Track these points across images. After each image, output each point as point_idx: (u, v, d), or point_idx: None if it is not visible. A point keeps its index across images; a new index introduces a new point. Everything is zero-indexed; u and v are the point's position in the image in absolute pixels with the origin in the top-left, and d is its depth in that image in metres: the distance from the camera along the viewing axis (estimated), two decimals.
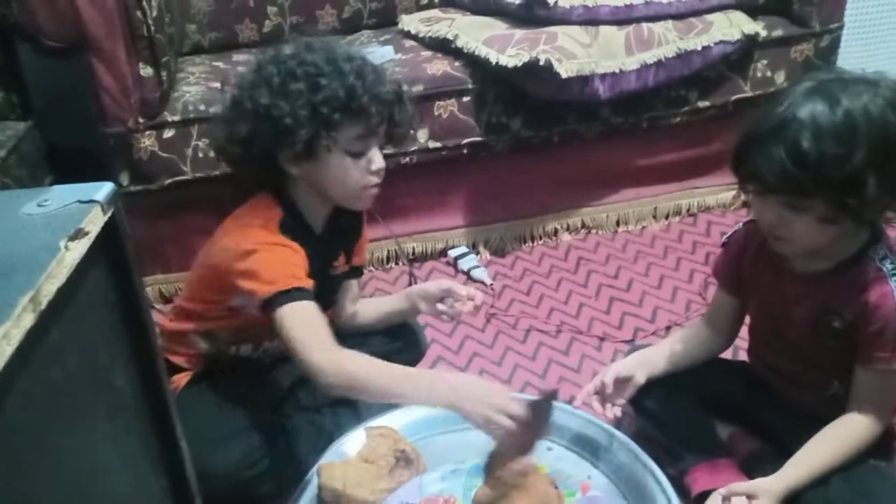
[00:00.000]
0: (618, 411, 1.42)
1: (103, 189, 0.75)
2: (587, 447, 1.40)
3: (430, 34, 2.10)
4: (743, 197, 2.24)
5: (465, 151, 2.03)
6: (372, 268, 2.11)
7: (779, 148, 1.10)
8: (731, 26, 2.03)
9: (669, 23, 2.01)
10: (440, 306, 1.47)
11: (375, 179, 1.33)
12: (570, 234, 2.22)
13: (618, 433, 1.38)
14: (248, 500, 1.37)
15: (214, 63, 2.13)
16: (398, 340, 1.56)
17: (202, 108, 1.86)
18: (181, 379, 1.41)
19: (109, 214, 0.75)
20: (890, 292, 1.17)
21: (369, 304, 1.61)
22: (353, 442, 1.41)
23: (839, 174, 1.08)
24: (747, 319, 1.43)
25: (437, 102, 1.96)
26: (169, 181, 1.89)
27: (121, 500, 0.82)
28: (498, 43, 1.94)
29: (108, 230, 0.75)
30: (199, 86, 1.96)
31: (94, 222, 0.73)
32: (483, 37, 1.97)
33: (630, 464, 1.34)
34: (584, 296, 1.98)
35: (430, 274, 2.11)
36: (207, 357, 1.43)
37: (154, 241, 1.97)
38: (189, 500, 0.95)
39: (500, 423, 1.12)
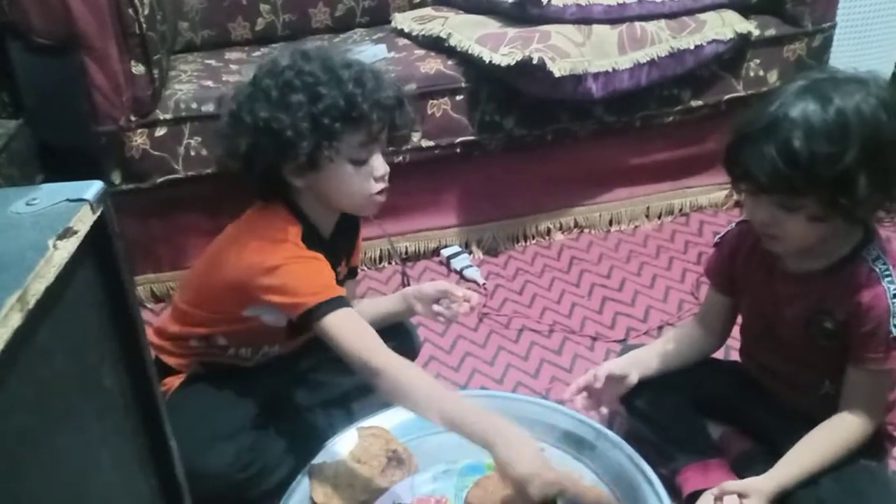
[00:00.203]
0: (604, 410, 1.42)
1: (92, 188, 0.75)
2: (578, 446, 1.40)
3: (423, 32, 2.10)
4: (735, 196, 2.25)
5: (458, 150, 2.02)
6: (364, 267, 2.11)
7: (770, 147, 1.10)
8: (724, 25, 2.04)
9: (662, 22, 2.01)
10: (436, 307, 1.47)
11: (381, 185, 1.32)
12: (562, 233, 2.22)
13: (608, 432, 1.38)
14: (240, 501, 1.37)
15: (207, 61, 2.13)
16: (392, 340, 1.54)
17: (194, 106, 1.86)
18: (174, 380, 1.41)
19: (99, 213, 0.75)
20: (882, 293, 1.17)
21: (364, 305, 1.60)
22: (345, 442, 1.41)
23: (831, 173, 1.08)
24: (739, 319, 1.43)
25: (431, 101, 1.96)
26: (161, 180, 1.88)
27: (110, 501, 0.81)
28: (491, 41, 1.94)
29: (98, 229, 0.75)
30: (191, 84, 1.95)
31: (83, 221, 0.72)
32: (476, 35, 1.97)
33: (621, 464, 1.34)
34: (577, 295, 1.98)
35: (422, 273, 2.11)
36: (203, 359, 1.43)
37: (146, 240, 1.97)
38: (178, 500, 0.94)
39: (532, 494, 1.09)
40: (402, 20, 2.20)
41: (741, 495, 1.21)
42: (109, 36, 1.75)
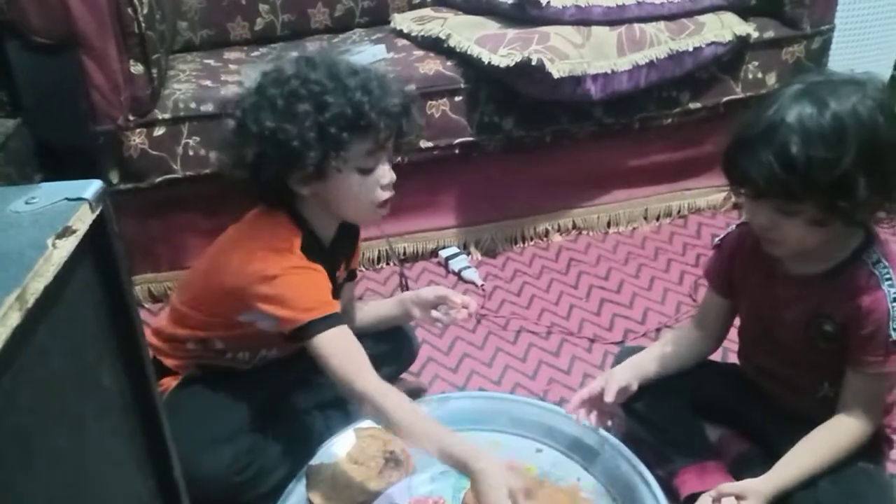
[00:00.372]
0: (609, 422, 1.42)
1: (91, 187, 0.75)
2: (577, 450, 1.40)
3: (422, 33, 2.10)
4: (733, 199, 2.25)
5: (456, 151, 2.02)
6: (363, 268, 2.11)
7: (767, 152, 1.10)
8: (723, 27, 2.04)
9: (661, 24, 2.02)
10: (434, 313, 1.47)
11: (388, 194, 1.32)
12: (561, 235, 2.22)
13: (609, 436, 1.38)
14: (237, 503, 1.37)
15: (206, 61, 2.12)
16: (389, 343, 1.56)
17: (193, 106, 1.86)
18: (171, 382, 1.40)
19: (98, 212, 0.74)
20: (883, 297, 1.17)
21: (363, 307, 1.60)
22: (342, 443, 1.41)
23: (828, 177, 1.08)
24: (736, 321, 1.43)
25: (430, 102, 1.96)
26: (159, 179, 1.88)
27: (107, 501, 0.81)
28: (490, 42, 1.94)
29: (97, 228, 0.74)
30: (190, 84, 1.95)
31: (82, 220, 0.72)
32: (475, 36, 1.97)
33: (620, 466, 1.34)
34: (575, 297, 1.98)
35: (421, 274, 2.11)
36: (200, 361, 1.42)
37: (144, 240, 1.96)
38: (177, 501, 0.94)
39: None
40: (402, 21, 2.20)
41: (738, 497, 1.21)
42: (108, 35, 1.75)
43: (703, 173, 2.24)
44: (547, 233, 2.21)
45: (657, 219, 2.26)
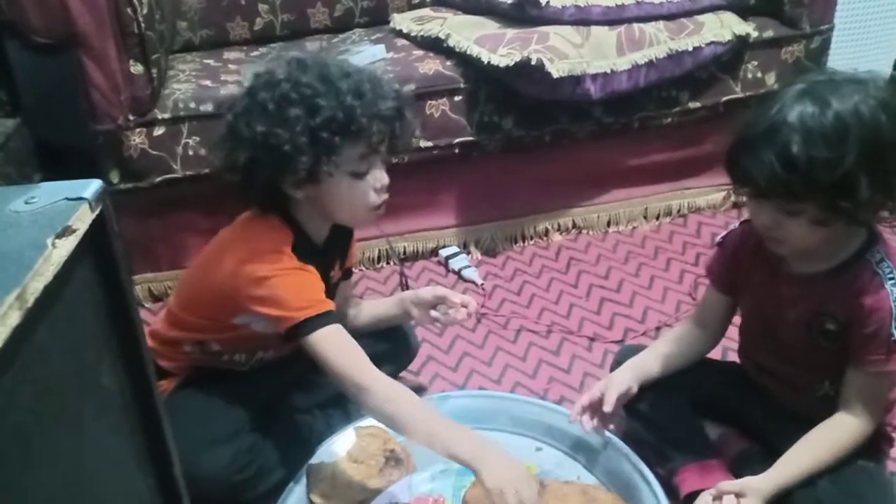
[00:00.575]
0: (612, 426, 1.42)
1: (91, 186, 0.75)
2: (578, 448, 1.40)
3: (421, 33, 2.10)
4: (733, 198, 2.25)
5: (456, 151, 2.03)
6: (363, 267, 2.11)
7: (769, 153, 1.10)
8: (722, 27, 2.04)
9: (661, 23, 2.02)
10: (433, 313, 1.47)
11: (382, 197, 1.31)
12: (561, 234, 2.22)
13: (609, 435, 1.38)
14: (238, 502, 1.37)
15: (205, 61, 2.13)
16: (388, 341, 1.56)
17: (193, 105, 1.86)
18: (169, 383, 1.40)
19: (97, 212, 0.75)
20: (886, 296, 1.17)
21: (362, 306, 1.60)
22: (342, 441, 1.41)
23: (830, 177, 1.08)
24: (736, 320, 1.43)
25: (429, 102, 1.96)
26: (159, 179, 1.88)
27: (107, 500, 0.81)
28: (490, 42, 1.94)
29: (96, 228, 0.74)
30: (189, 83, 1.95)
31: (82, 220, 0.72)
32: (475, 36, 1.97)
33: (619, 464, 1.34)
34: (575, 296, 1.98)
35: (421, 273, 2.11)
36: (197, 363, 1.42)
37: (144, 240, 1.97)
38: (177, 499, 0.94)
39: (509, 500, 1.10)
40: (401, 20, 2.20)
41: (738, 495, 1.21)
42: (108, 35, 1.75)
43: (703, 172, 2.24)
44: (547, 232, 2.21)
45: (657, 218, 2.26)
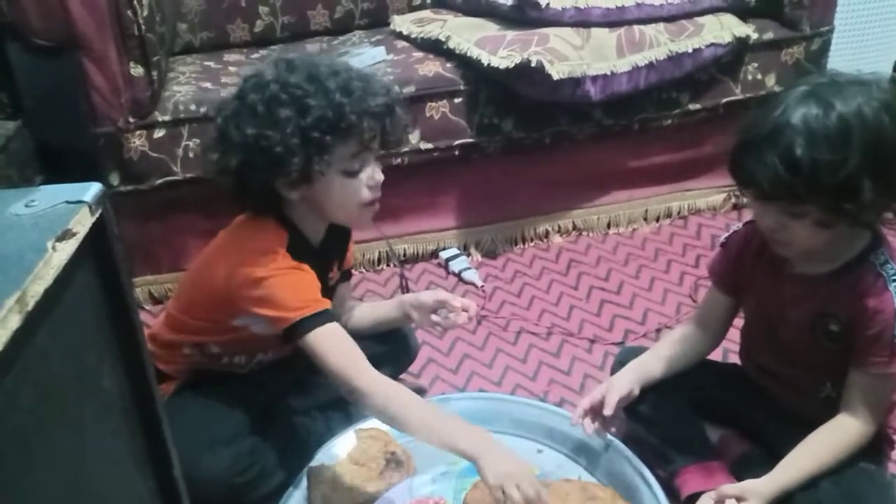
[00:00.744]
0: (613, 429, 1.41)
1: (91, 189, 0.75)
2: (578, 450, 1.40)
3: (421, 35, 2.10)
4: (733, 200, 2.25)
5: (456, 153, 2.03)
6: (363, 269, 2.11)
7: (772, 155, 1.10)
8: (722, 29, 2.04)
9: (661, 25, 2.02)
10: (434, 317, 1.46)
11: (375, 194, 1.31)
12: (561, 236, 2.22)
13: (610, 437, 1.38)
14: None
15: (206, 63, 2.13)
16: (388, 343, 1.56)
17: (193, 108, 1.86)
18: (168, 386, 1.40)
19: (97, 215, 0.75)
20: (889, 298, 1.17)
21: (363, 308, 1.60)
22: (343, 444, 1.41)
23: (833, 180, 1.08)
24: (737, 321, 1.43)
25: (429, 103, 1.96)
26: (159, 181, 1.88)
27: (107, 502, 0.81)
28: (490, 44, 1.94)
29: (96, 231, 0.74)
30: (189, 86, 1.95)
31: (82, 223, 0.72)
32: (475, 38, 1.97)
33: (620, 466, 1.34)
34: (575, 298, 1.98)
35: (421, 275, 2.11)
36: (197, 366, 1.42)
37: (144, 242, 1.97)
38: (177, 501, 0.94)
39: (510, 493, 1.10)
40: (401, 22, 2.20)
41: (739, 498, 1.21)
42: (108, 37, 1.75)
43: (703, 174, 2.24)
44: (547, 234, 2.21)
45: (657, 220, 2.26)
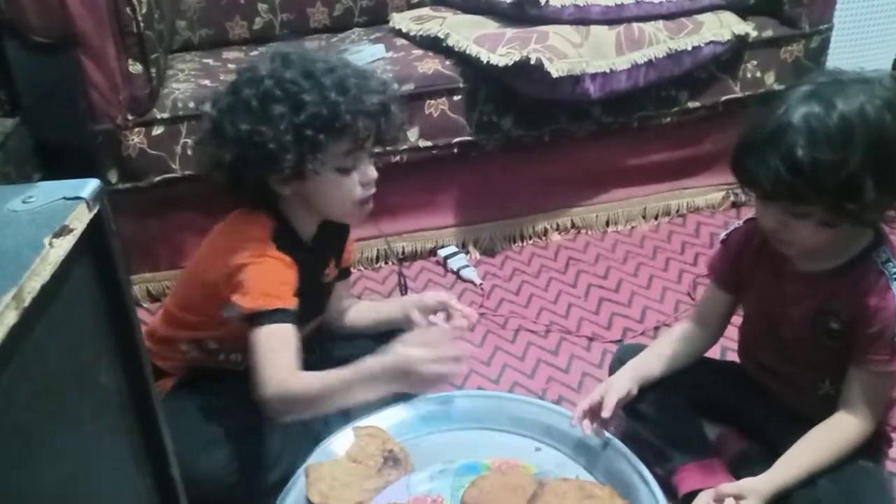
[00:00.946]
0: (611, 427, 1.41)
1: (89, 186, 0.75)
2: (576, 448, 1.39)
3: (421, 32, 2.10)
4: (732, 198, 2.25)
5: (455, 150, 2.02)
6: (361, 267, 2.11)
7: (774, 156, 1.09)
8: (722, 27, 2.04)
9: (660, 23, 2.02)
10: (433, 318, 1.45)
11: (369, 192, 1.31)
12: (559, 233, 2.22)
13: (608, 435, 1.38)
14: (235, 502, 1.37)
15: (204, 60, 2.13)
16: (385, 342, 1.55)
17: (192, 105, 1.86)
18: (165, 384, 1.40)
19: (95, 211, 0.75)
20: (891, 296, 1.17)
21: (363, 306, 1.59)
22: (341, 441, 1.40)
23: (836, 180, 1.07)
24: (736, 319, 1.43)
25: (428, 101, 1.96)
26: (158, 179, 1.88)
27: (105, 499, 0.81)
28: (489, 42, 1.94)
29: (94, 227, 0.75)
30: (188, 83, 1.95)
31: (80, 219, 0.72)
32: (474, 35, 1.97)
33: (619, 464, 1.34)
34: (574, 296, 1.98)
35: (419, 273, 2.11)
36: (194, 363, 1.42)
37: (143, 240, 1.96)
38: (174, 499, 0.94)
39: (439, 372, 1.20)
40: (400, 20, 2.20)
41: (737, 497, 1.21)
42: (107, 34, 1.75)
43: (702, 172, 2.24)
44: (546, 232, 2.21)
45: (656, 218, 2.26)
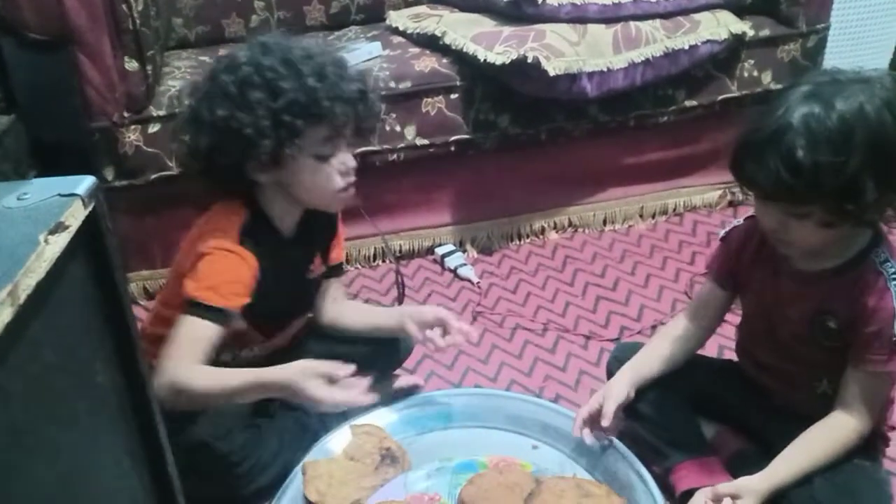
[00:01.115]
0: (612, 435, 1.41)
1: (84, 182, 0.74)
2: (574, 447, 1.39)
3: (417, 31, 2.10)
4: (729, 197, 2.25)
5: (452, 149, 2.02)
6: (358, 265, 2.10)
7: (774, 157, 1.09)
8: (719, 26, 2.04)
9: (657, 21, 2.01)
10: (429, 333, 1.43)
11: (348, 180, 1.30)
12: (556, 232, 2.22)
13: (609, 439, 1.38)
14: (233, 499, 1.36)
15: (201, 57, 2.12)
16: (378, 343, 1.54)
17: (188, 102, 1.85)
18: None
19: (90, 208, 0.74)
20: (889, 296, 1.17)
21: (360, 309, 1.59)
22: (338, 439, 1.40)
23: (836, 181, 1.07)
24: (733, 318, 1.42)
25: (425, 99, 1.96)
26: (154, 176, 1.88)
27: (102, 497, 0.81)
28: (486, 40, 1.94)
29: (89, 224, 0.74)
30: (184, 80, 1.94)
31: (75, 216, 0.72)
32: (471, 34, 1.97)
33: (616, 462, 1.34)
34: (571, 294, 1.98)
35: (416, 271, 2.10)
36: None
37: (139, 237, 1.96)
38: (171, 496, 0.94)
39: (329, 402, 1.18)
40: (397, 18, 2.20)
41: (734, 497, 1.20)
42: (103, 32, 1.74)
43: (699, 171, 2.24)
44: (543, 230, 2.21)
45: (653, 216, 2.26)
